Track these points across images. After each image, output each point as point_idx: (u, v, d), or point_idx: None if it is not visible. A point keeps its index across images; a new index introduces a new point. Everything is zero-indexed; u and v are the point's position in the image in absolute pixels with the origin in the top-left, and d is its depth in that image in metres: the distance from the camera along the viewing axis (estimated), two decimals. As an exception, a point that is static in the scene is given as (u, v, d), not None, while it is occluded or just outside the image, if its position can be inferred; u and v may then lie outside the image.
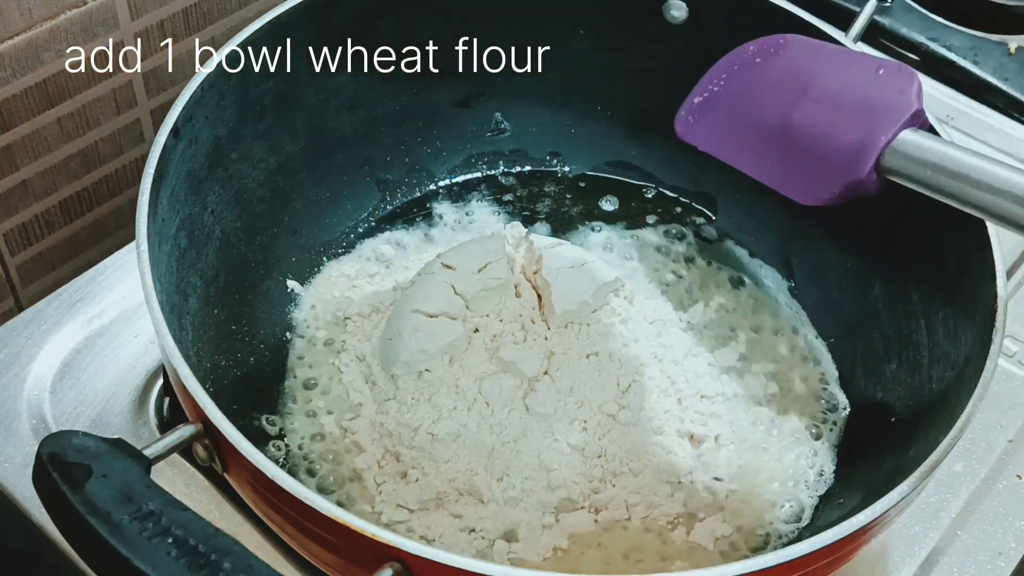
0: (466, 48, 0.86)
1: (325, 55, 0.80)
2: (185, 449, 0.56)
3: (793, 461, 0.75)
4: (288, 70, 0.77)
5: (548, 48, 0.88)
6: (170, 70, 0.89)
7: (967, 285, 0.68)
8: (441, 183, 0.90)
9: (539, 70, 0.89)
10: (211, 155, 0.73)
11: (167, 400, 0.76)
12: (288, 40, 0.76)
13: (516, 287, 0.77)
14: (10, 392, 0.74)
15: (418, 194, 0.89)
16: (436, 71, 0.87)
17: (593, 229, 0.88)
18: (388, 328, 0.76)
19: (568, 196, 0.91)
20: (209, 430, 0.56)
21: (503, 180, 0.92)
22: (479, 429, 0.71)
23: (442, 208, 0.89)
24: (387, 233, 0.87)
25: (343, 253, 0.85)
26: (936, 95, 1.00)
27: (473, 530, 0.69)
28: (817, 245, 0.85)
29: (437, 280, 0.76)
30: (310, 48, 0.78)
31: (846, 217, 0.81)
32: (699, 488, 0.72)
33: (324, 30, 0.79)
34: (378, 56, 0.83)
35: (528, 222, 0.88)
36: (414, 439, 0.71)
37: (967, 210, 0.61)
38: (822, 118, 0.65)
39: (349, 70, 0.82)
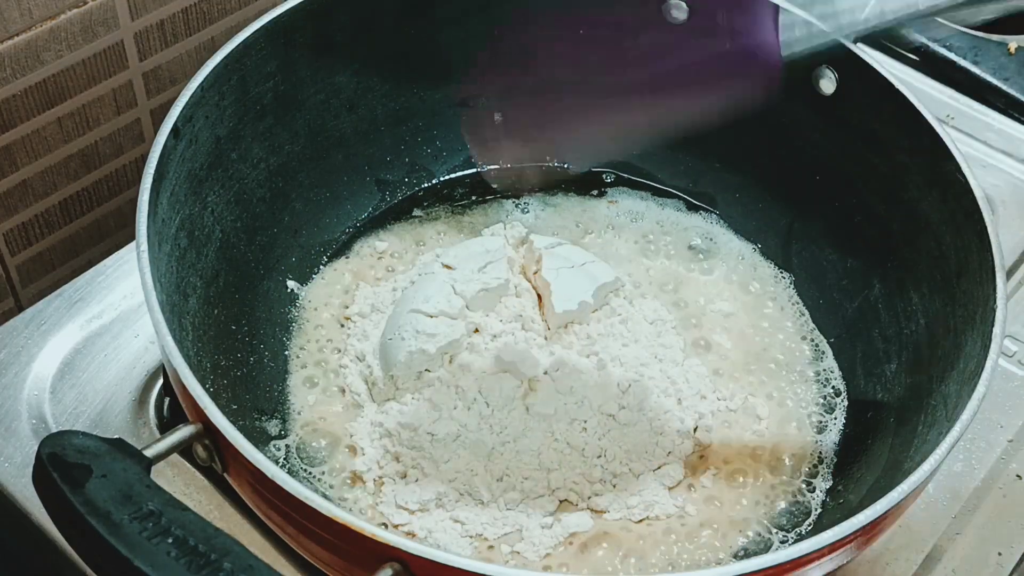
0: (466, 48, 0.86)
1: (325, 55, 0.80)
2: (185, 449, 0.56)
3: (793, 461, 0.75)
4: (288, 70, 0.77)
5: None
6: (170, 70, 0.89)
7: (967, 285, 0.68)
8: (441, 183, 0.90)
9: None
10: (211, 155, 0.73)
11: (167, 400, 0.76)
12: (288, 40, 0.76)
13: (516, 287, 0.77)
14: (10, 392, 0.74)
15: (418, 194, 0.89)
16: (436, 71, 0.87)
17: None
18: (388, 328, 0.76)
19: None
20: (209, 430, 0.56)
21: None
22: (479, 429, 0.71)
23: (442, 208, 0.89)
24: (387, 233, 0.87)
25: (343, 253, 0.85)
26: (936, 95, 1.00)
27: (473, 531, 0.69)
28: (817, 245, 0.85)
29: (437, 280, 0.76)
30: (310, 48, 0.78)
31: (846, 217, 0.82)
32: (699, 487, 0.72)
33: (324, 30, 0.79)
34: (378, 56, 0.83)
35: (528, 222, 0.88)
36: (414, 439, 0.71)
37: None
38: None
39: (349, 70, 0.82)
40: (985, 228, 0.66)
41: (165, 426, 0.74)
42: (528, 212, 0.89)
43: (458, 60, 0.87)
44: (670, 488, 0.72)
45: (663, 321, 0.80)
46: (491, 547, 0.68)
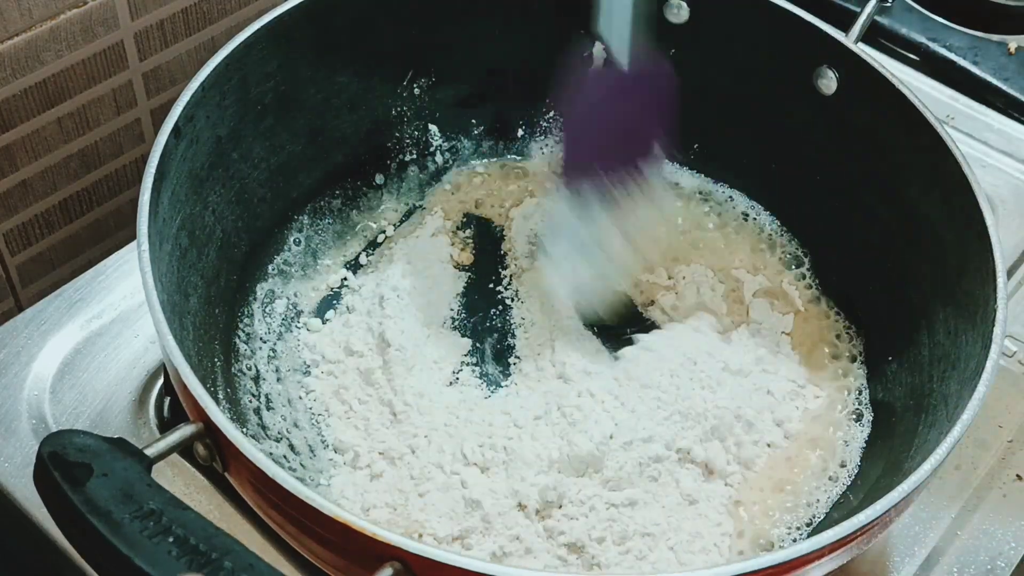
0: (466, 48, 0.87)
1: (326, 55, 0.80)
2: (185, 449, 0.56)
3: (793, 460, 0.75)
4: (289, 70, 0.77)
5: (549, 48, 0.88)
6: (170, 70, 0.89)
7: (967, 285, 0.68)
8: (443, 183, 0.90)
9: (540, 70, 0.89)
10: (212, 155, 0.72)
11: (167, 400, 0.76)
12: (288, 40, 0.76)
13: None
14: (10, 392, 0.74)
15: (419, 194, 0.89)
16: (436, 71, 0.87)
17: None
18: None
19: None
20: (210, 429, 0.56)
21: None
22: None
23: (443, 208, 0.89)
24: (388, 232, 0.87)
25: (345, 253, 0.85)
26: (936, 95, 1.00)
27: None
28: (816, 245, 0.85)
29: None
30: (311, 48, 0.78)
31: (846, 217, 0.82)
32: (706, 485, 0.72)
33: (324, 30, 0.79)
34: (378, 56, 0.83)
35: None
36: (412, 441, 0.71)
37: None
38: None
39: (349, 70, 0.82)
40: (985, 228, 0.66)
41: (165, 426, 0.74)
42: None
43: (459, 60, 0.87)
44: (682, 496, 0.72)
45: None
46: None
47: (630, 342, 0.80)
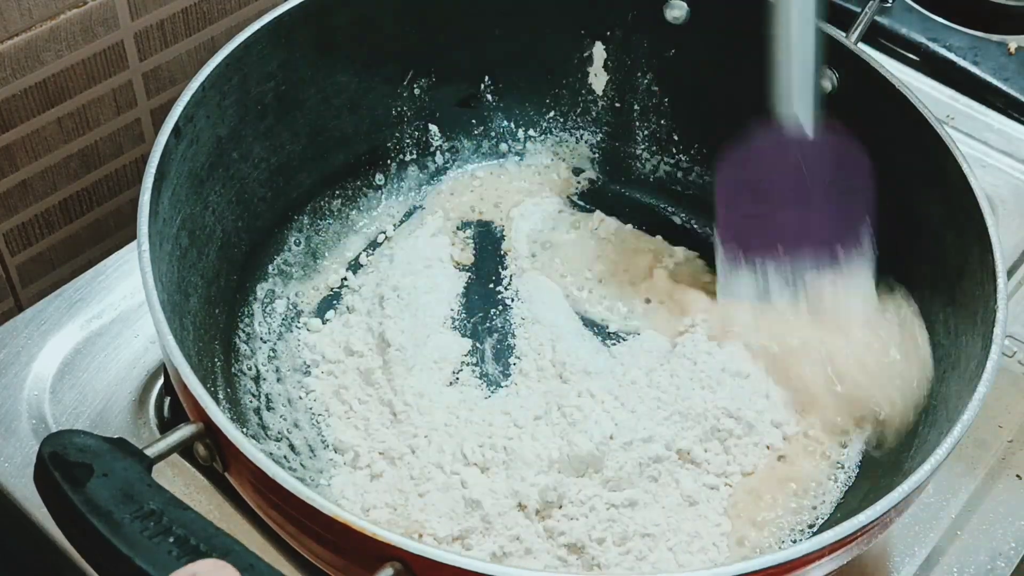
0: (467, 48, 0.87)
1: (326, 55, 0.80)
2: (185, 449, 0.56)
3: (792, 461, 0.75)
4: (289, 70, 0.77)
5: (549, 48, 0.88)
6: (170, 70, 0.89)
7: (967, 285, 0.68)
8: (443, 183, 0.90)
9: (540, 70, 0.89)
10: (212, 155, 0.73)
11: (167, 400, 0.76)
12: (288, 40, 0.76)
13: None
14: (10, 392, 0.74)
15: (419, 194, 0.89)
16: (436, 71, 0.87)
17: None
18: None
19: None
20: (210, 429, 0.56)
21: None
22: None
23: (443, 208, 0.89)
24: (388, 232, 0.87)
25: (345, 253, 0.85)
26: (936, 95, 1.00)
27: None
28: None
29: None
30: (311, 48, 0.78)
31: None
32: (709, 487, 0.72)
33: (324, 30, 0.79)
34: (378, 56, 0.83)
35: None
36: (412, 441, 0.71)
37: None
38: None
39: (350, 70, 0.82)
40: (985, 228, 0.66)
41: (165, 426, 0.74)
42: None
43: (459, 60, 0.87)
44: (684, 498, 0.72)
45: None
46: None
47: (630, 342, 0.80)
